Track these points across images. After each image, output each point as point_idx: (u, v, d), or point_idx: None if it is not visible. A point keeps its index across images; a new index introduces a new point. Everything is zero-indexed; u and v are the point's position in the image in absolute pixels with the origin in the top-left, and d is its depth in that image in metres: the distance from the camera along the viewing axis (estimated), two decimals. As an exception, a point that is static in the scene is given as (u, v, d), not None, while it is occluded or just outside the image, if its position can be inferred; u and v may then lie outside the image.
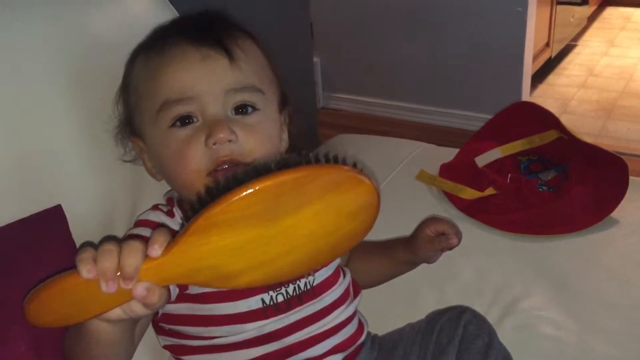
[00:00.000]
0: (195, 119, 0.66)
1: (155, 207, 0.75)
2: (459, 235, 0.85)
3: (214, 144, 0.65)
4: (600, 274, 1.03)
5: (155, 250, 0.46)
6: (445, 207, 1.21)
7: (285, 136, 0.77)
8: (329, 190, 0.47)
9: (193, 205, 0.47)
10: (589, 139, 1.26)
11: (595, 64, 3.12)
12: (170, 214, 0.73)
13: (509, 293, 0.99)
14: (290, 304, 0.72)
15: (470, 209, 1.17)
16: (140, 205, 0.82)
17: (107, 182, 0.79)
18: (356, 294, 0.82)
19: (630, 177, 1.15)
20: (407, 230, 0.93)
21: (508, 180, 1.24)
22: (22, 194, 0.71)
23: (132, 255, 0.46)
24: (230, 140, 0.65)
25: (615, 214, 1.13)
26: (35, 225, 0.69)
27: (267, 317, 0.71)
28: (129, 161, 0.78)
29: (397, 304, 0.97)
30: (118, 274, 0.46)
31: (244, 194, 0.44)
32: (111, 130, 0.76)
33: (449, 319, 0.82)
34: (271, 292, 0.71)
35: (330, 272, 0.78)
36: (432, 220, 0.87)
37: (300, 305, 0.73)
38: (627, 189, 1.13)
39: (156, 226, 0.69)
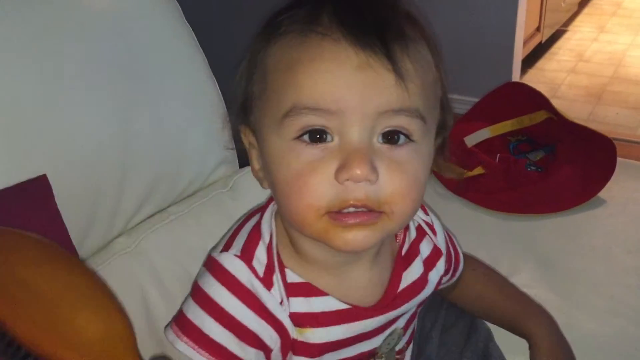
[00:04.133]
0: (329, 137, 0.50)
1: (249, 257, 0.57)
2: None
3: (347, 180, 0.50)
4: (586, 253, 1.03)
5: None
6: (433, 186, 1.21)
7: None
8: None
9: None
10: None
11: (585, 50, 3.12)
12: (267, 280, 0.56)
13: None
14: None
15: (459, 188, 1.17)
16: (129, 177, 0.82)
17: (94, 154, 0.78)
18: None
19: (618, 158, 1.16)
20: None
21: (497, 160, 1.24)
22: (7, 163, 0.70)
23: None
24: (368, 180, 0.50)
25: (602, 194, 1.13)
26: (20, 195, 0.68)
27: None
28: (232, 149, 0.64)
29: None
30: None
31: None
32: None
33: (431, 301, 0.80)
34: None
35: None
36: None
37: None
38: (615, 169, 1.14)
39: (246, 295, 0.55)
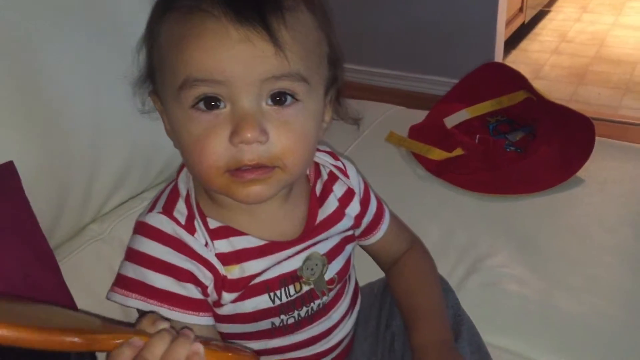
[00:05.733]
0: (222, 104, 0.56)
1: (170, 211, 0.63)
2: None
3: (240, 142, 0.55)
4: (564, 232, 1.04)
5: None
6: (413, 167, 1.21)
7: (327, 117, 0.66)
8: None
9: None
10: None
11: (568, 30, 3.12)
12: (189, 227, 0.62)
13: (475, 251, 0.99)
14: (300, 324, 0.69)
15: (438, 170, 1.17)
16: (101, 163, 0.80)
17: (64, 140, 0.77)
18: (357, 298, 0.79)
19: (597, 138, 1.16)
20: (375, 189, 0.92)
21: (476, 141, 1.24)
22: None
23: None
24: (258, 141, 0.55)
25: (580, 173, 1.14)
26: (-13, 182, 0.67)
27: (273, 337, 0.68)
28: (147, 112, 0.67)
29: (363, 261, 0.96)
30: None
31: None
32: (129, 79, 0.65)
33: None
34: (283, 316, 0.67)
35: (340, 285, 0.72)
36: None
37: (310, 324, 0.69)
38: (593, 148, 1.14)
39: (173, 242, 0.61)
